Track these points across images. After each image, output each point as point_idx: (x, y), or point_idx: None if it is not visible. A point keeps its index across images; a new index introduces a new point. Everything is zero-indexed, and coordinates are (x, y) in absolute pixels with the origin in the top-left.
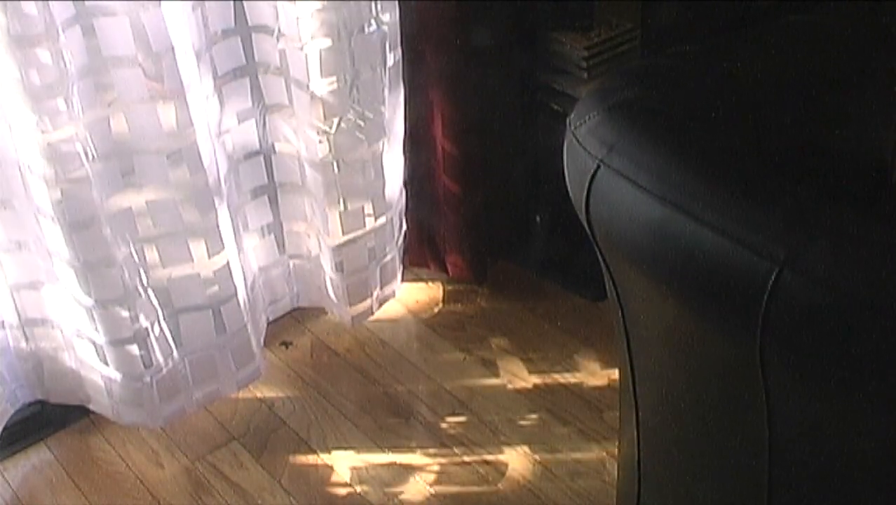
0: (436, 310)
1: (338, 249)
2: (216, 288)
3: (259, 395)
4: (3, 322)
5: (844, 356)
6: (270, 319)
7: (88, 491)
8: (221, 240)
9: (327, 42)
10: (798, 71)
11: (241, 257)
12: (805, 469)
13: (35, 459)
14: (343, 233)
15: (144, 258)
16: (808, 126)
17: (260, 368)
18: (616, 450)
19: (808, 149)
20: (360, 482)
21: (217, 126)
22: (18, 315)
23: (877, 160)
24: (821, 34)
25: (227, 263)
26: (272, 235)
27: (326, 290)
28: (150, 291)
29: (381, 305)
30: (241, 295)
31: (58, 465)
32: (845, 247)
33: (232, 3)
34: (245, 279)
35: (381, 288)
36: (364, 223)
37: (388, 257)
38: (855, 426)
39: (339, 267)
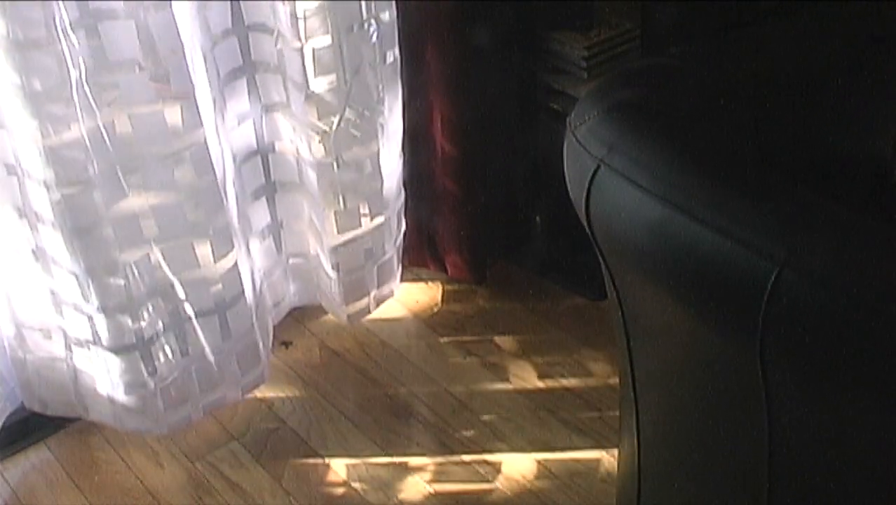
0: (436, 310)
1: (334, 249)
2: (223, 292)
3: (259, 395)
4: None
5: (844, 356)
6: (275, 321)
7: (88, 491)
8: (232, 241)
9: (325, 41)
10: (798, 71)
11: (247, 260)
12: (805, 469)
13: (35, 459)
14: (339, 232)
15: (149, 262)
16: (807, 126)
17: (265, 374)
18: (616, 450)
19: (808, 149)
20: (360, 482)
21: (221, 126)
22: (15, 325)
23: (877, 160)
24: (820, 34)
25: (235, 265)
26: (272, 236)
27: (324, 288)
28: (155, 297)
29: (378, 304)
30: (248, 298)
31: (58, 465)
32: (845, 247)
33: (229, 3)
34: (253, 282)
35: (379, 287)
36: (360, 223)
37: (386, 257)
38: (855, 426)
39: (335, 266)
